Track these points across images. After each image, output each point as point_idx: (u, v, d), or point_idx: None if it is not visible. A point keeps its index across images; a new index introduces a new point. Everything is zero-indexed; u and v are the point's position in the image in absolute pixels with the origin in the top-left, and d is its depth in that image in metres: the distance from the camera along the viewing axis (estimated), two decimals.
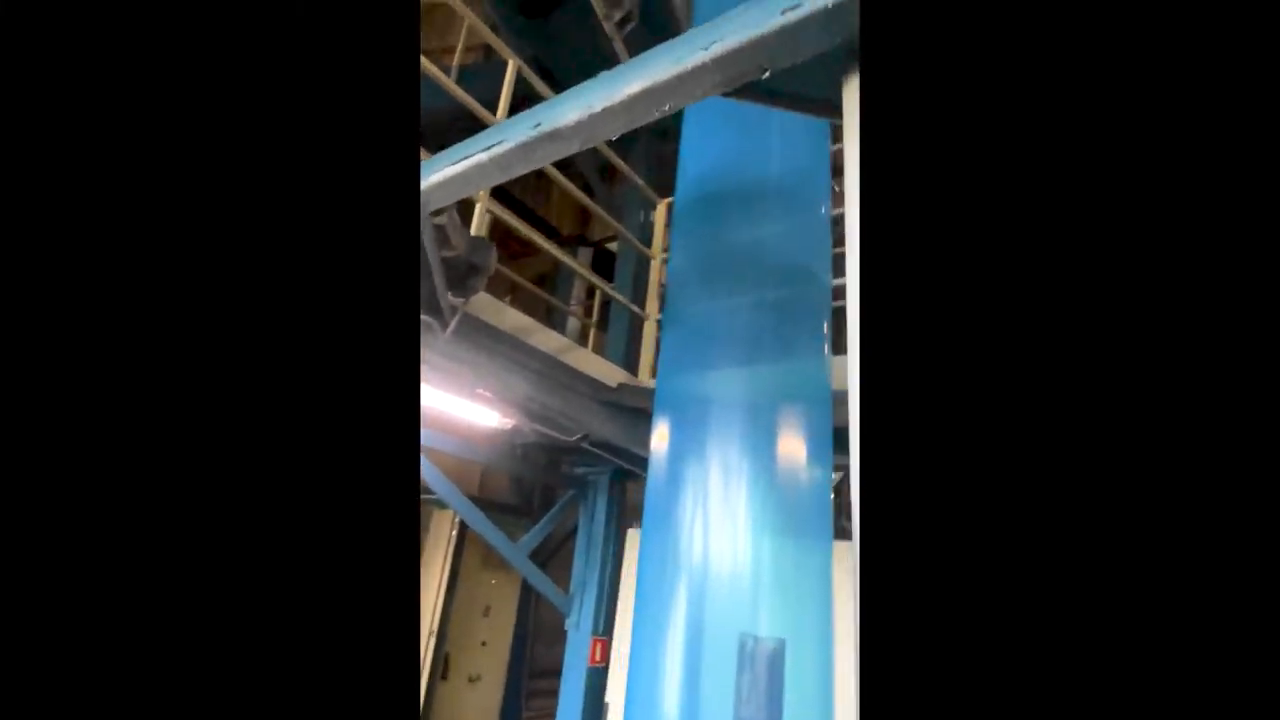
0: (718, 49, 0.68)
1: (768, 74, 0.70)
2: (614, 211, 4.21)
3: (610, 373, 2.38)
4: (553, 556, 4.75)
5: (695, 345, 1.67)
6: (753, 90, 0.75)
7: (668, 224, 3.50)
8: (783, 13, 0.64)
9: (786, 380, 1.61)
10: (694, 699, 1.17)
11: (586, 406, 2.17)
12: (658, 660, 1.25)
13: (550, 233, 5.46)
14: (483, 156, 0.89)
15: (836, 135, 1.64)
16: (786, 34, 0.65)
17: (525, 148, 0.85)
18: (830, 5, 0.61)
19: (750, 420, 1.50)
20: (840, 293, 2.54)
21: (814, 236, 1.83)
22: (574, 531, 3.67)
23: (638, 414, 2.31)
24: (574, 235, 5.61)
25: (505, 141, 0.86)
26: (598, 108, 0.77)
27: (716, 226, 1.81)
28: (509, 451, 3.28)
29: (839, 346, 1.73)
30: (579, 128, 0.80)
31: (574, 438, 2.35)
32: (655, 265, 3.12)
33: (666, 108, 0.76)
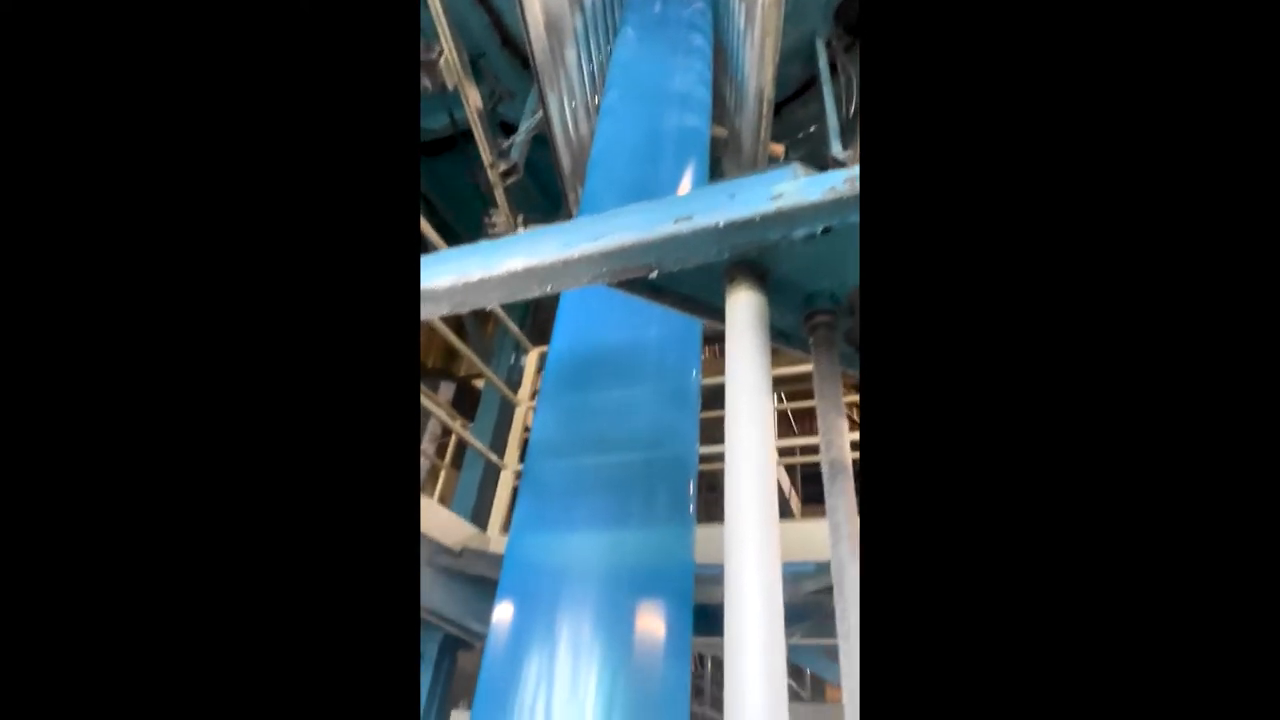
0: (606, 243, 0.67)
1: (654, 273, 0.69)
2: (484, 351, 4.12)
3: (455, 528, 2.15)
4: None
5: (553, 507, 1.55)
6: (637, 285, 0.74)
7: (539, 370, 3.46)
8: (675, 221, 0.64)
9: (648, 551, 1.53)
10: None
11: (421, 574, 1.91)
12: None
13: None
14: None
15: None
16: (676, 241, 0.64)
17: None
18: (720, 224, 0.62)
19: (607, 595, 1.38)
20: (709, 458, 2.55)
21: (684, 402, 1.83)
22: None
23: (480, 582, 2.07)
24: (438, 368, 5.40)
25: None
26: (474, 277, 0.72)
27: (586, 384, 1.77)
28: None
29: (704, 514, 1.68)
30: (451, 293, 0.74)
31: None
32: (520, 412, 3.01)
33: (548, 288, 0.72)
